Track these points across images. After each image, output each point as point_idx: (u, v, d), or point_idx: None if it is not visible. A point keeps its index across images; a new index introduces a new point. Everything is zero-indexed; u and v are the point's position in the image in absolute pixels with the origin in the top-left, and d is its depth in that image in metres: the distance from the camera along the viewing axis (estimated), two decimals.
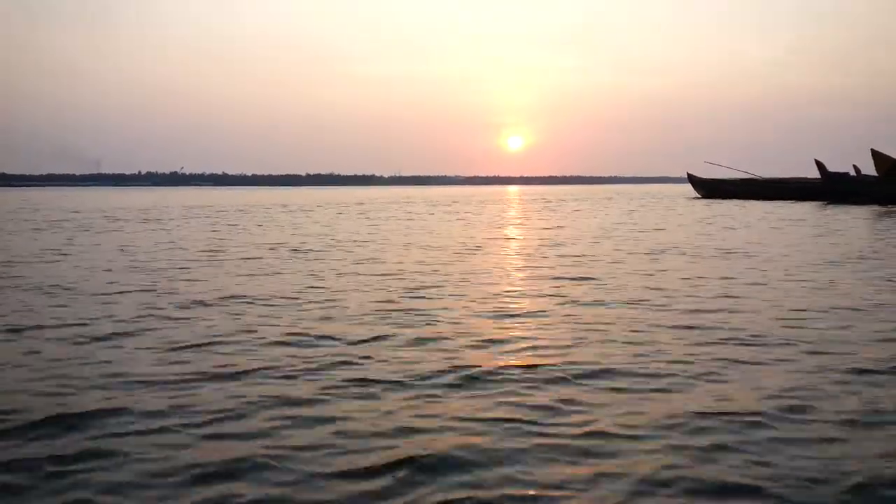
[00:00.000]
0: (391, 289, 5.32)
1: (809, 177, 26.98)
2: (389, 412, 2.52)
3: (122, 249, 8.51)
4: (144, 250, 8.39)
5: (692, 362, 3.16)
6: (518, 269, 6.60)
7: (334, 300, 4.83)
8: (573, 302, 4.76)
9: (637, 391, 2.76)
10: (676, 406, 2.56)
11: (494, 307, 4.55)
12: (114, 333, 3.76)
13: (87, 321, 4.11)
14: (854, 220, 13.87)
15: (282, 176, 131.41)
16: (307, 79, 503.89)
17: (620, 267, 6.70)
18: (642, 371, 3.03)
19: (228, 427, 2.37)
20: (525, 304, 4.65)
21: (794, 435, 2.29)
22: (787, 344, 3.52)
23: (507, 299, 4.87)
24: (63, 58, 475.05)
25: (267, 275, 6.21)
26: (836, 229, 11.52)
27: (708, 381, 2.90)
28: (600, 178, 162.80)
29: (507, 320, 4.15)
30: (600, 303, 4.71)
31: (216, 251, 8.33)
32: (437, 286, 5.48)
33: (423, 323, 4.07)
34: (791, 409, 2.53)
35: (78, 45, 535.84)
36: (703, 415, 2.47)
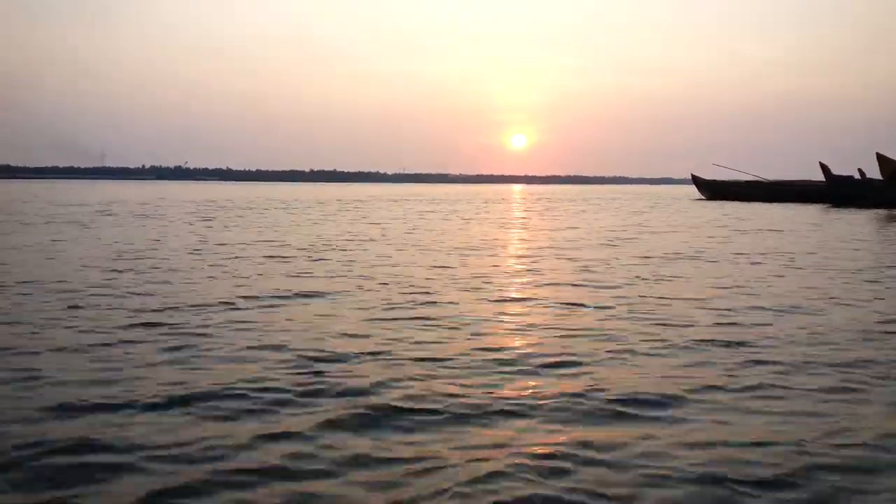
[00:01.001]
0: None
1: (813, 179, 27.14)
2: None
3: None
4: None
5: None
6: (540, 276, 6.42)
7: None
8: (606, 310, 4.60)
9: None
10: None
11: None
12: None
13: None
14: (864, 225, 14.02)
15: (286, 172, 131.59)
16: (310, 76, 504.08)
17: (647, 275, 6.41)
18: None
19: None
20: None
21: None
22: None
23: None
24: (67, 53, 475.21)
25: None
26: (850, 235, 11.65)
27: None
28: (604, 178, 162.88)
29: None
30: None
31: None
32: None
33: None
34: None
35: (82, 41, 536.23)
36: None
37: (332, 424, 2.45)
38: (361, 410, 2.58)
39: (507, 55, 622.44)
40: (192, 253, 7.83)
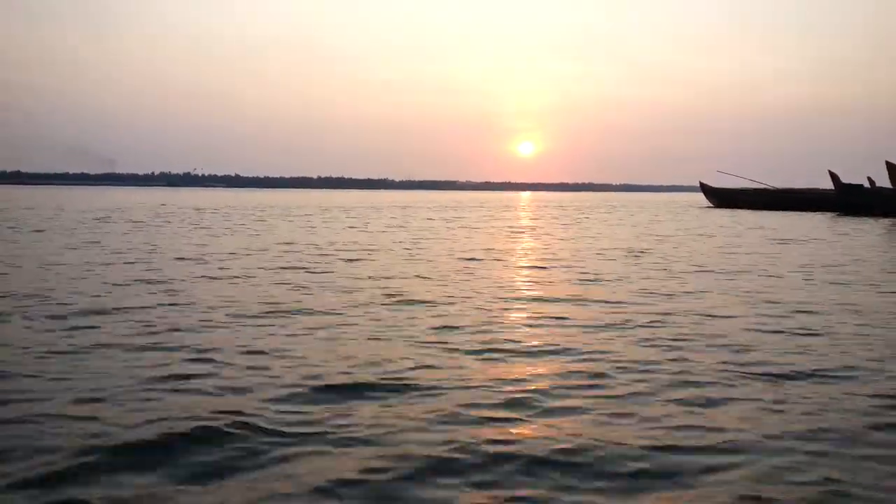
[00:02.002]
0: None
1: (821, 187, 27.16)
2: None
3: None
4: None
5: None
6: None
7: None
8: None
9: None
10: None
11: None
12: None
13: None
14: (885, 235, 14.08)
15: (294, 178, 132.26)
16: (318, 82, 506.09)
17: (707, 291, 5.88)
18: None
19: None
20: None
21: None
22: None
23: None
24: (78, 59, 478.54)
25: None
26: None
27: None
28: (612, 185, 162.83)
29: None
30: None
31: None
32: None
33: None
34: None
35: (92, 46, 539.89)
36: None
37: None
38: None
39: (515, 62, 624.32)
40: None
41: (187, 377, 3.12)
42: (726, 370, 3.35)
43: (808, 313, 4.89)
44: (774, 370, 3.36)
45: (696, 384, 3.12)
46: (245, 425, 2.51)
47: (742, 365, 3.44)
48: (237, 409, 2.68)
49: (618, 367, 3.37)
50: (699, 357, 3.59)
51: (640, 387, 3.07)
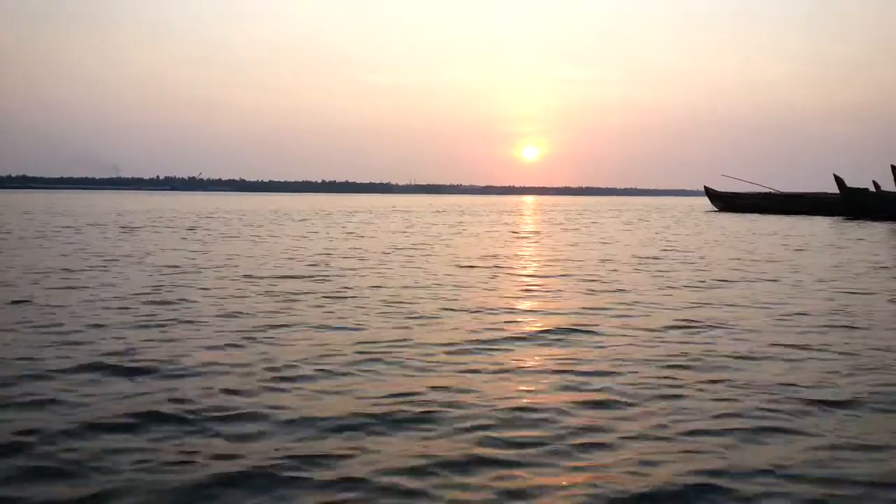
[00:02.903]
0: None
1: (827, 191, 27.22)
2: None
3: None
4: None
5: None
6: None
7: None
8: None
9: None
10: None
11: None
12: None
13: None
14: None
15: (298, 182, 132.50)
16: (322, 87, 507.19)
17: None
18: None
19: None
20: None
21: None
22: None
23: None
24: (82, 64, 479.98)
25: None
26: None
27: None
28: (616, 189, 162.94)
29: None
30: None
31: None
32: None
33: None
34: None
35: (97, 52, 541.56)
36: None
37: None
38: None
39: (518, 67, 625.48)
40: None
41: None
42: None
43: None
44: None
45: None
46: None
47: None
48: None
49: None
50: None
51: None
